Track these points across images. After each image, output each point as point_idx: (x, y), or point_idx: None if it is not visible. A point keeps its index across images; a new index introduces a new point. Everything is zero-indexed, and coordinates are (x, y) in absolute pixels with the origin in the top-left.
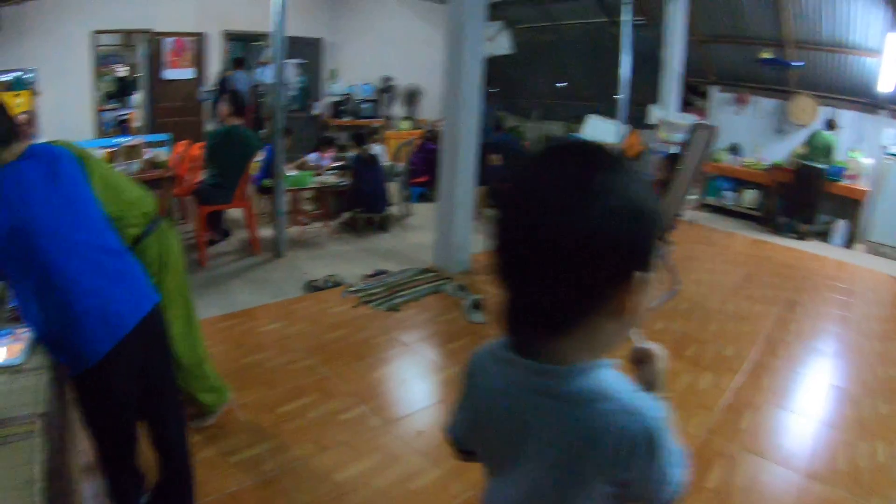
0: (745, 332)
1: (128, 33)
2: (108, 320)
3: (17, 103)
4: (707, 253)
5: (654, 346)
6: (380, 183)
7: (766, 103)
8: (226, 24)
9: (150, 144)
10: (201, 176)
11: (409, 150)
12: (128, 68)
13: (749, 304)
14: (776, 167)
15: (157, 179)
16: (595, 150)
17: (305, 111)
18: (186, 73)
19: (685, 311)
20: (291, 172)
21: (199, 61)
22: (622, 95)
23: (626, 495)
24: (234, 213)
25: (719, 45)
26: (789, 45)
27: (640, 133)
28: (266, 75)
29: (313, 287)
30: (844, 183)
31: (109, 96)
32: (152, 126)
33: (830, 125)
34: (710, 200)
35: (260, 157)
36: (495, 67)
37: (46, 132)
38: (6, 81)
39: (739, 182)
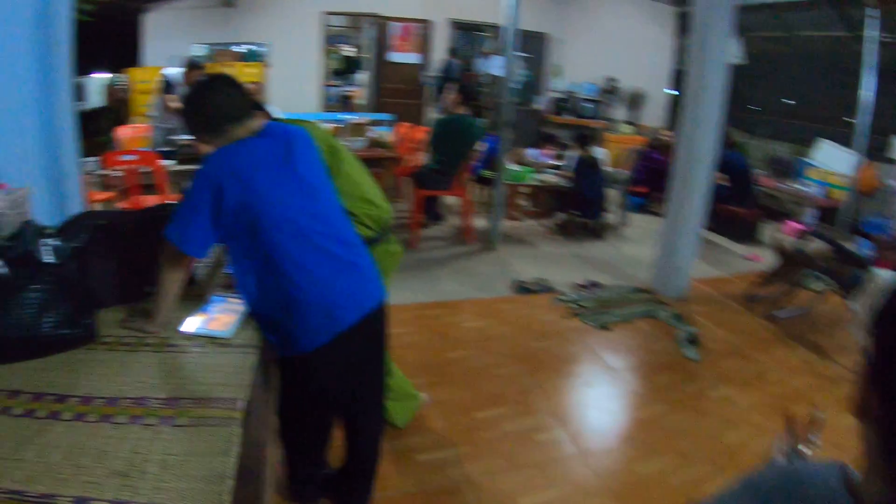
0: None
1: (356, 16)
2: (332, 313)
3: (248, 73)
4: None
5: None
6: (599, 188)
7: None
8: (452, 13)
9: (374, 122)
10: (422, 160)
11: (635, 157)
12: (354, 49)
13: None
14: None
15: (379, 159)
16: None
17: (526, 105)
18: (411, 58)
19: None
20: (511, 166)
21: (424, 47)
22: (860, 120)
23: None
24: (450, 199)
25: None
26: None
27: (876, 166)
28: (488, 66)
29: (522, 288)
30: None
31: (336, 73)
32: (376, 105)
33: None
34: None
35: (481, 147)
36: None
37: (276, 103)
38: (240, 52)
39: None
